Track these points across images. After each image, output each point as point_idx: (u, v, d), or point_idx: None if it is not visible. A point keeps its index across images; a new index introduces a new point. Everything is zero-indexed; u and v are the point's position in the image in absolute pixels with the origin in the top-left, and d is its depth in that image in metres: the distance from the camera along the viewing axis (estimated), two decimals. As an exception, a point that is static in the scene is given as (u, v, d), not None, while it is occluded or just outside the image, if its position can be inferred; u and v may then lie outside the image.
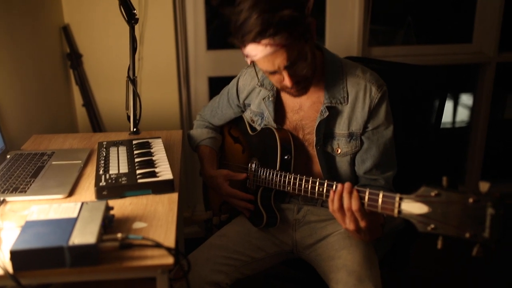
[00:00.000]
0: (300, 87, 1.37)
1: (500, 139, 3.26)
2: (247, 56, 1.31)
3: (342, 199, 1.19)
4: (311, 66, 1.34)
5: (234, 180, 1.60)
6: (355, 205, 1.16)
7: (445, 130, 3.39)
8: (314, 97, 1.46)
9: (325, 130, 1.44)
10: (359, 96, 1.41)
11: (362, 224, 1.18)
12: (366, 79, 1.42)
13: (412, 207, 1.02)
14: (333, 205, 1.21)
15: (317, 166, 1.49)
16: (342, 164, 1.48)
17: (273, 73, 1.32)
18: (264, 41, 1.22)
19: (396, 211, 1.06)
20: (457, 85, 3.25)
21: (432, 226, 0.98)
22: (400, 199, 1.05)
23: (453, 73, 2.92)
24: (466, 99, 3.33)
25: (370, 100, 1.40)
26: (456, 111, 3.39)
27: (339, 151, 1.46)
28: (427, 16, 3.07)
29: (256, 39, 1.23)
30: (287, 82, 1.32)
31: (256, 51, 1.25)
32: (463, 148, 3.11)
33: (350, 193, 1.17)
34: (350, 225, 1.20)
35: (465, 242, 0.94)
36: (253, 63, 1.37)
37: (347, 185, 1.18)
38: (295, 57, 1.27)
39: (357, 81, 1.42)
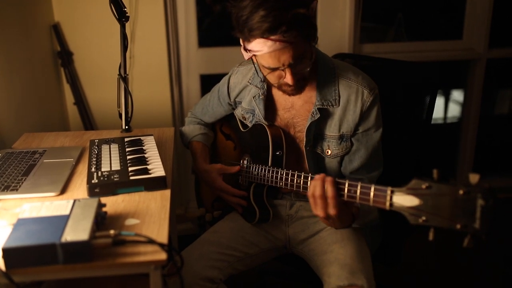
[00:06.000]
0: (299, 86, 1.38)
1: (491, 135, 3.29)
2: (249, 50, 1.31)
3: (317, 187, 1.19)
4: (311, 66, 1.35)
5: (227, 174, 1.60)
6: (330, 192, 1.16)
7: (436, 125, 3.42)
8: (306, 96, 1.46)
9: (316, 131, 1.45)
10: (351, 99, 1.42)
11: (332, 212, 1.18)
12: (358, 82, 1.42)
13: (403, 199, 1.03)
14: (308, 190, 1.22)
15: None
16: (332, 164, 1.49)
17: (274, 69, 1.32)
18: (274, 37, 1.23)
19: (387, 204, 1.07)
20: (448, 81, 3.28)
21: (424, 218, 0.99)
22: (392, 192, 1.06)
23: (444, 70, 2.94)
24: (457, 95, 3.36)
25: (362, 104, 1.41)
26: (448, 107, 3.41)
27: (329, 152, 1.46)
28: (418, 13, 3.09)
29: (264, 35, 1.23)
30: (288, 79, 1.32)
31: (263, 46, 1.25)
32: (454, 144, 3.13)
33: (323, 181, 1.18)
34: (320, 212, 1.20)
35: (456, 233, 0.95)
36: (251, 59, 1.37)
37: (322, 175, 1.19)
38: (300, 55, 1.28)
39: (349, 84, 1.42)
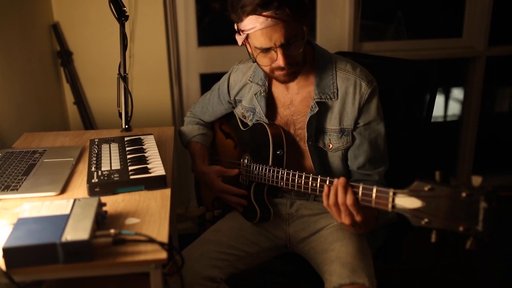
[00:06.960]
0: (291, 71, 1.38)
1: (491, 133, 3.28)
2: (242, 31, 1.32)
3: (337, 194, 1.19)
4: (303, 52, 1.36)
5: (226, 175, 1.60)
6: (349, 200, 1.16)
7: (436, 124, 3.41)
8: (305, 92, 1.46)
9: (316, 125, 1.45)
10: (349, 92, 1.41)
11: (358, 218, 1.18)
12: (356, 75, 1.42)
13: (405, 201, 1.03)
14: (328, 199, 1.21)
15: (309, 161, 1.49)
16: (334, 159, 1.48)
17: (267, 50, 1.32)
18: (266, 13, 1.25)
19: (390, 205, 1.07)
20: (448, 79, 3.27)
21: (426, 220, 0.99)
22: (394, 194, 1.06)
23: (444, 68, 2.94)
24: (457, 93, 3.35)
25: (360, 96, 1.41)
26: (448, 105, 3.41)
27: (331, 146, 1.46)
28: (418, 11, 3.08)
29: (257, 11, 1.25)
30: (280, 61, 1.32)
31: (255, 23, 1.27)
32: (454, 142, 3.13)
33: (345, 188, 1.17)
34: (345, 219, 1.20)
35: (458, 236, 0.95)
36: (248, 53, 1.36)
37: (341, 180, 1.18)
38: (292, 36, 1.29)
39: (347, 77, 1.42)
